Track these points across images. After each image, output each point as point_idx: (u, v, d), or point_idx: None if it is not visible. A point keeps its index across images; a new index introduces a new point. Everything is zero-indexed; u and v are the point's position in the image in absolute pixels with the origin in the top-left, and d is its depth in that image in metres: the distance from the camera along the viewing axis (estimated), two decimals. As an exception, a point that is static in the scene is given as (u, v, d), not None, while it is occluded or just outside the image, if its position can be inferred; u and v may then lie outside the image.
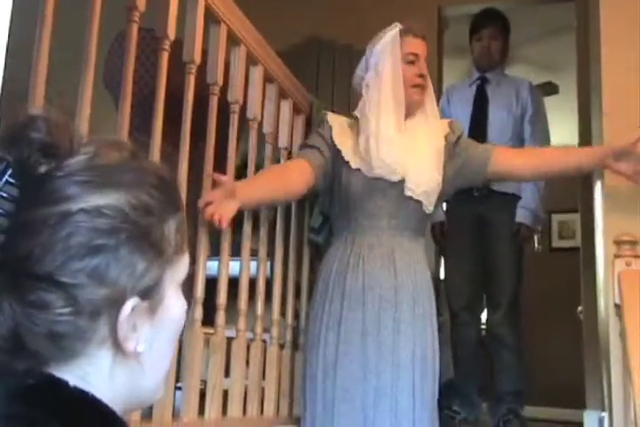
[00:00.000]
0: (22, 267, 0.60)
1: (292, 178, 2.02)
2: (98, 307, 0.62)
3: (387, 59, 2.02)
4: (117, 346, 0.64)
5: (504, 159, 2.07)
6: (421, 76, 2.04)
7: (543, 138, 3.13)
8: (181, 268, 0.68)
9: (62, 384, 0.63)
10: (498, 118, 3.11)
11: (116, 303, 0.62)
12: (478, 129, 3.08)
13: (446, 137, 2.09)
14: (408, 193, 1.97)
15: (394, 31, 2.04)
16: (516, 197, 3.02)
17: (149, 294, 0.64)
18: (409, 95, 2.02)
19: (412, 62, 2.03)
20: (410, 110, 2.04)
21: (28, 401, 0.61)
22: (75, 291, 0.61)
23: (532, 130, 3.10)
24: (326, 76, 3.86)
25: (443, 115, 3.18)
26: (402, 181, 1.97)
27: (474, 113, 3.15)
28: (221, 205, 1.77)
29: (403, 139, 2.00)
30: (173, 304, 0.68)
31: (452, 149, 2.08)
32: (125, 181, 0.63)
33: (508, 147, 2.11)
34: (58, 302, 0.60)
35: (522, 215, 2.98)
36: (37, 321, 0.61)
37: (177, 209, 0.67)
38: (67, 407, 0.62)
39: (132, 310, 0.63)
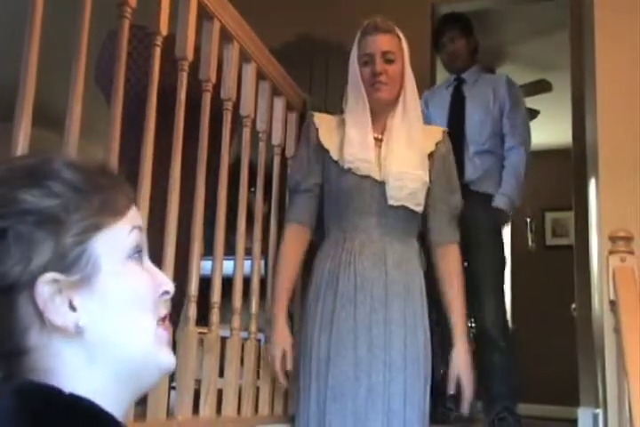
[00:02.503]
0: None
1: (300, 257, 2.08)
2: (12, 287, 0.64)
3: (351, 62, 2.05)
4: (54, 326, 0.65)
5: (438, 253, 2.06)
6: (378, 74, 1.99)
7: (523, 132, 3.11)
8: (120, 238, 0.70)
9: (55, 393, 0.64)
10: (475, 118, 3.10)
11: (29, 280, 0.64)
12: (456, 129, 3.07)
13: (437, 144, 2.08)
14: (390, 202, 1.96)
15: (359, 33, 2.04)
16: (493, 197, 3.04)
17: (73, 267, 0.66)
18: (371, 94, 2.01)
19: (366, 63, 2.01)
20: (384, 108, 2.03)
21: (34, 419, 0.62)
22: None
23: (511, 125, 3.09)
24: (319, 75, 3.85)
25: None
26: (384, 183, 1.97)
27: (451, 114, 3.14)
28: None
29: (376, 141, 2.01)
30: (121, 275, 0.69)
31: (438, 159, 2.07)
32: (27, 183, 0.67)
33: (456, 250, 2.10)
34: None
35: (499, 200, 3.00)
36: None
37: (96, 190, 0.70)
38: (75, 420, 0.63)
39: (53, 283, 0.65)
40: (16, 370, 0.66)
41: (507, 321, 3.03)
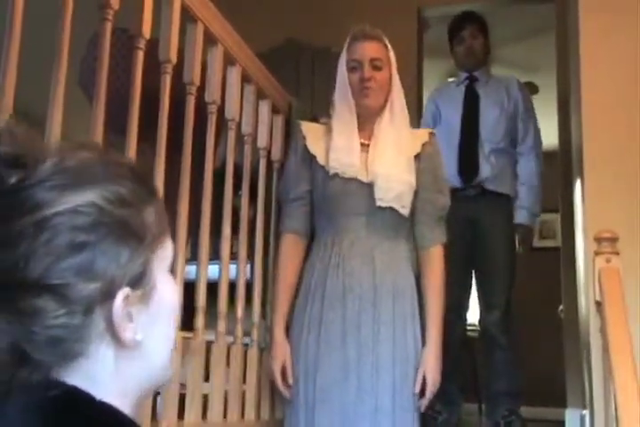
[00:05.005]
0: (9, 278, 0.61)
1: (298, 267, 2.06)
2: (91, 302, 0.63)
3: (339, 67, 2.06)
4: (116, 339, 0.65)
5: (422, 256, 2.06)
6: (366, 80, 2.01)
7: (535, 139, 3.14)
8: (167, 253, 0.71)
9: (89, 399, 0.64)
10: (490, 116, 3.10)
11: (107, 296, 0.64)
12: (470, 127, 3.07)
13: (424, 145, 2.08)
14: (378, 203, 1.96)
15: (348, 39, 2.06)
16: (510, 198, 3.05)
17: (140, 282, 0.66)
18: (359, 100, 2.03)
19: (354, 68, 2.02)
20: (371, 115, 2.04)
21: (60, 422, 0.63)
22: (65, 291, 0.62)
23: (525, 130, 3.12)
24: (306, 79, 3.85)
25: (432, 119, 3.19)
26: (372, 185, 1.97)
27: (465, 112, 3.14)
28: None
29: (363, 146, 2.02)
30: (166, 289, 0.70)
31: (424, 159, 2.07)
32: (96, 177, 0.65)
33: (439, 253, 2.07)
34: (50, 305, 0.62)
35: (520, 216, 3.02)
36: (34, 328, 0.62)
37: (153, 197, 0.70)
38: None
39: (125, 299, 0.64)
40: (60, 371, 0.65)
41: (509, 320, 3.01)
